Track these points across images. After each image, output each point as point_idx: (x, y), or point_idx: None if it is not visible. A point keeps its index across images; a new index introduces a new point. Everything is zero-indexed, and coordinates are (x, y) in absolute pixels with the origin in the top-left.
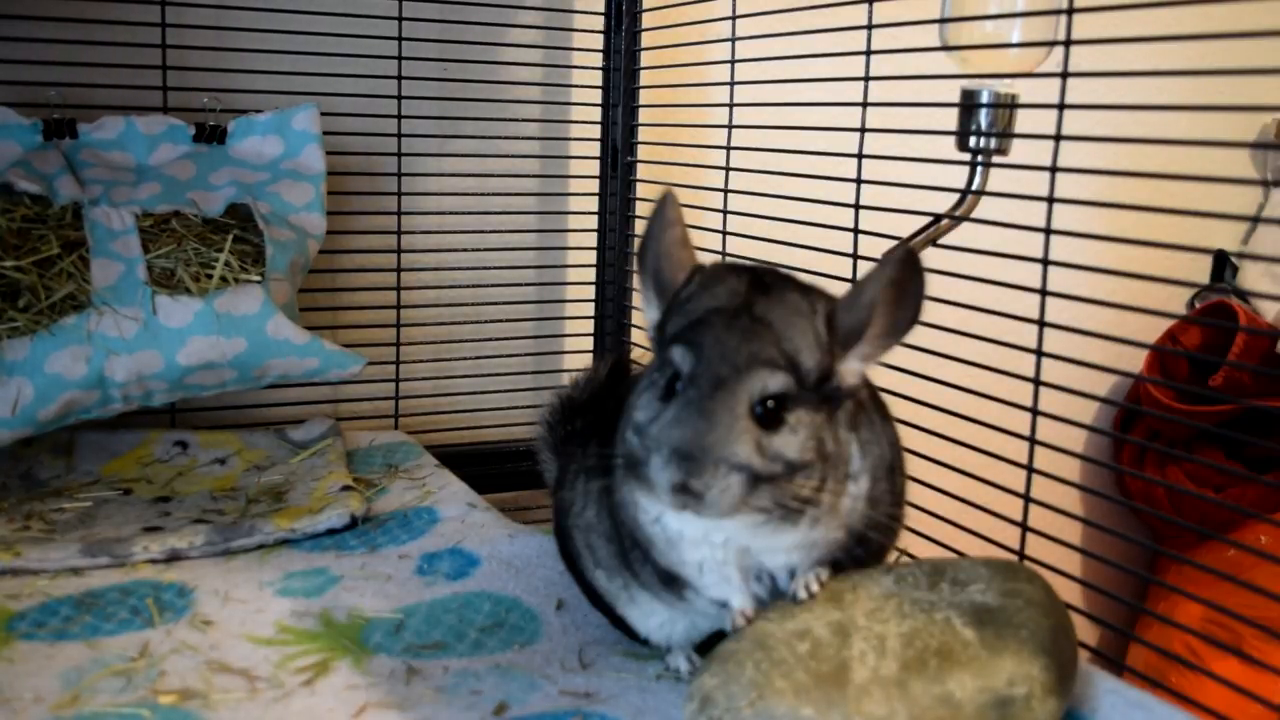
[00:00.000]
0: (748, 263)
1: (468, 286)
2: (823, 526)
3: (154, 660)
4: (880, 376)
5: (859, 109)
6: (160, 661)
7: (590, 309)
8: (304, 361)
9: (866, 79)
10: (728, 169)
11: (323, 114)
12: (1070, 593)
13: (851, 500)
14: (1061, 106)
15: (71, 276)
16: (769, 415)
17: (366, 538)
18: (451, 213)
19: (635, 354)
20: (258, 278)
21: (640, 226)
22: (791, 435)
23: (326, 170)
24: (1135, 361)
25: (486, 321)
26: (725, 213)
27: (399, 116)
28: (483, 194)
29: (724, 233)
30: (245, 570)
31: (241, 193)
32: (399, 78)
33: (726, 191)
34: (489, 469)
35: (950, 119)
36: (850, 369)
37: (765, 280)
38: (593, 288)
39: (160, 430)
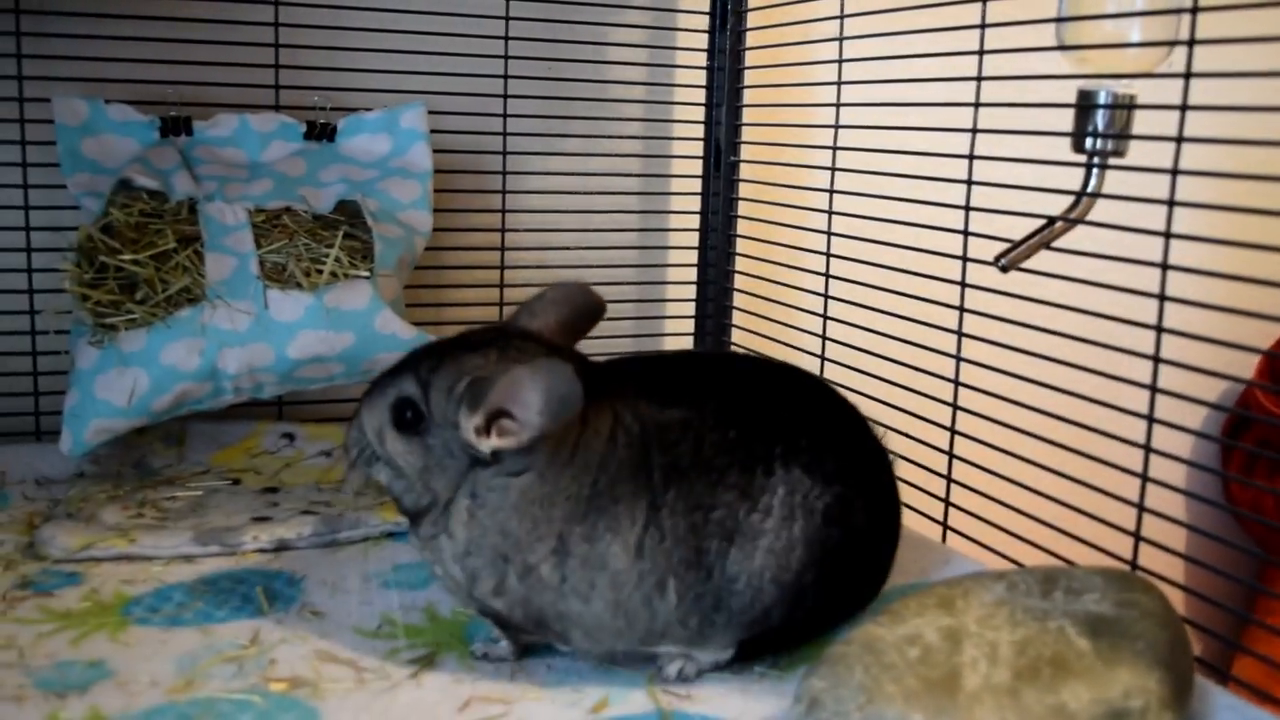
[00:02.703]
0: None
1: None
2: (447, 555)
3: (264, 648)
4: (993, 381)
5: (970, 109)
6: (270, 650)
7: (691, 309)
8: None
9: (979, 79)
10: (833, 169)
11: (430, 113)
12: (1174, 601)
13: (453, 546)
14: (1184, 108)
15: (187, 270)
16: (402, 421)
17: None
18: (555, 211)
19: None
20: (366, 273)
21: (743, 227)
22: (404, 444)
23: (433, 168)
24: (1246, 367)
25: None
26: (830, 213)
27: (504, 115)
28: (586, 193)
29: (829, 233)
30: (352, 562)
31: (350, 189)
32: (505, 77)
33: (832, 192)
34: None
35: (1065, 119)
36: (476, 433)
37: (509, 339)
38: (694, 288)
39: (268, 422)
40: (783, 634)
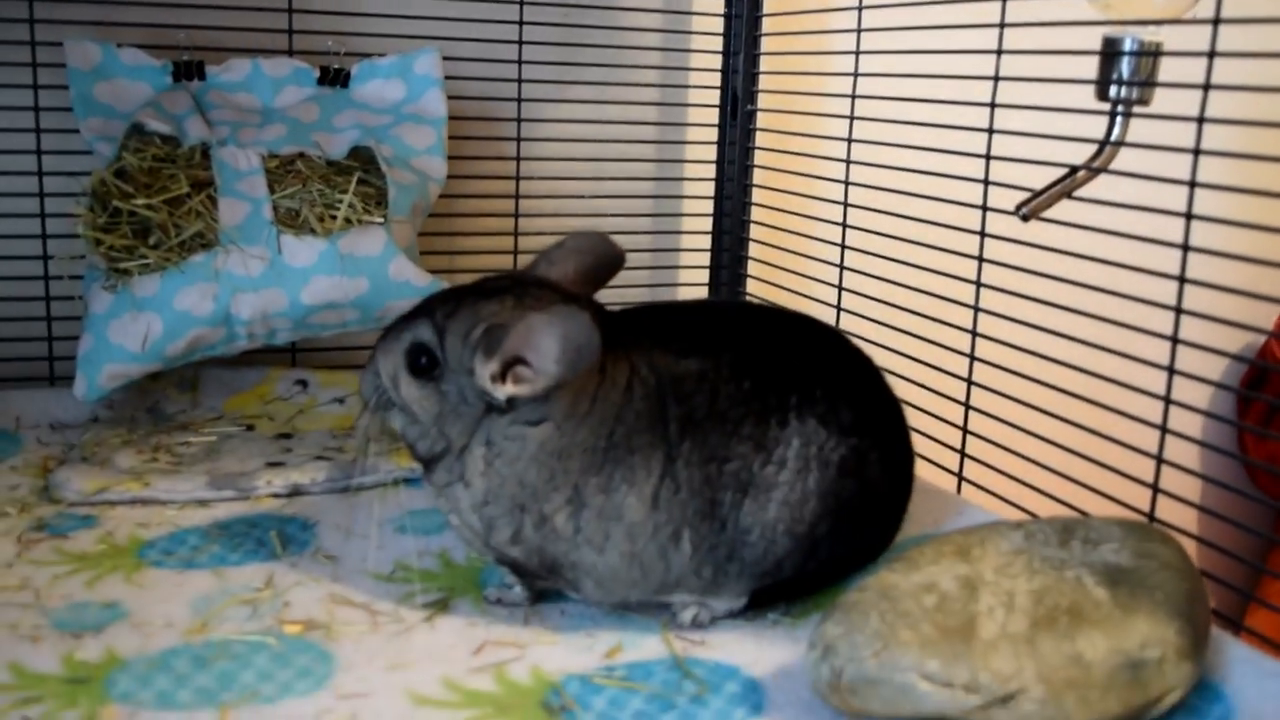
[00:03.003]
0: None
1: None
2: (463, 504)
3: (279, 591)
4: (1011, 332)
5: (993, 56)
6: (285, 593)
7: (706, 259)
8: None
9: (1002, 25)
10: (852, 118)
11: (444, 59)
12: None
13: (470, 496)
14: (1212, 55)
15: (200, 215)
16: (417, 366)
17: None
18: (569, 159)
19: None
20: (380, 220)
21: (760, 176)
22: (419, 389)
23: (448, 115)
24: (1268, 320)
25: None
26: (849, 163)
27: (519, 62)
28: (601, 140)
29: (846, 183)
30: (366, 507)
31: (364, 135)
32: (520, 23)
33: (850, 141)
34: None
35: (1089, 67)
36: (492, 380)
37: (526, 286)
38: (708, 237)
39: (281, 368)
40: (795, 584)
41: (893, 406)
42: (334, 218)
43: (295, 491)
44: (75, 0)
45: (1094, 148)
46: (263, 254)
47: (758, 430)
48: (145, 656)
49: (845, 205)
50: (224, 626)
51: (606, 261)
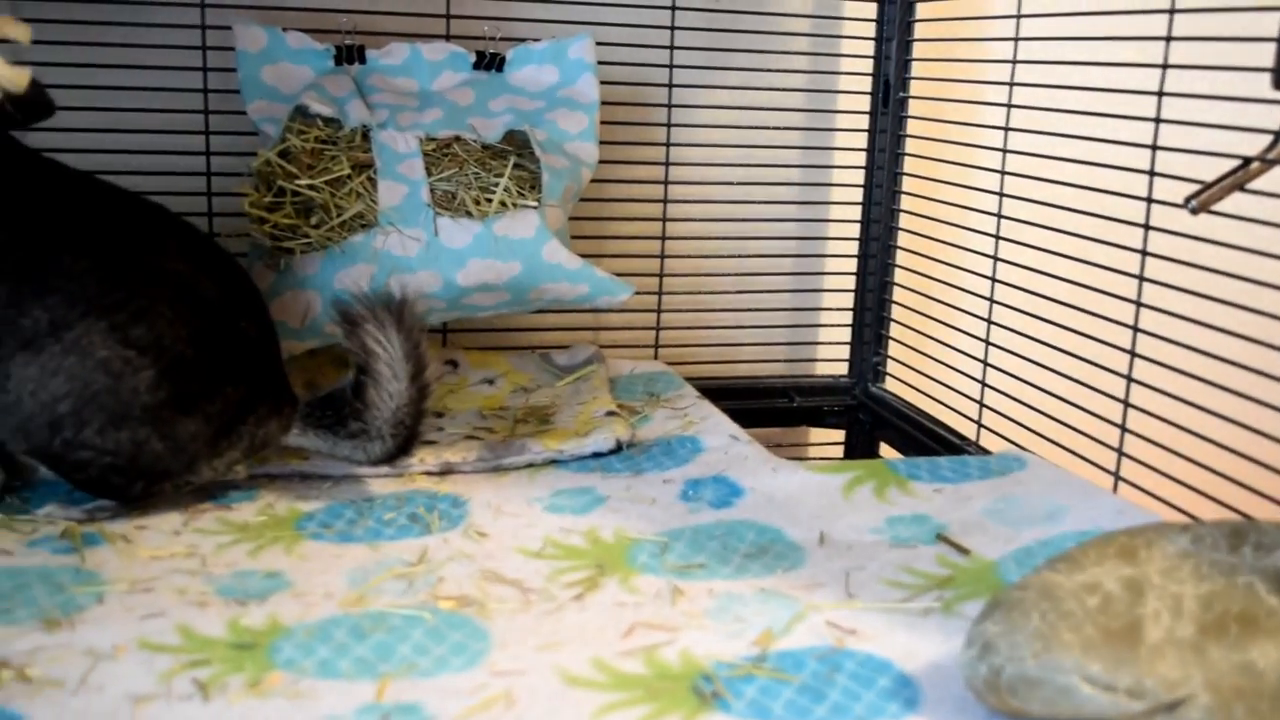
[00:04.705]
0: None
1: (731, 220)
2: None
3: (432, 566)
4: (1175, 328)
5: (1161, 43)
6: (438, 568)
7: (854, 248)
8: (575, 287)
9: (1172, 11)
10: (1009, 106)
11: (596, 44)
12: None
13: None
14: None
15: (360, 196)
16: None
17: (631, 462)
18: (718, 145)
19: (897, 295)
20: (534, 203)
21: (911, 165)
22: None
23: (600, 99)
24: None
25: (748, 256)
26: (1005, 152)
27: (671, 48)
28: (750, 127)
29: (1002, 173)
30: (515, 486)
31: (519, 120)
32: (672, 8)
33: (1008, 130)
34: (743, 404)
35: (1265, 54)
36: None
37: None
38: (857, 226)
39: (432, 349)
40: None
41: None
42: (489, 201)
43: (447, 469)
44: None
45: (1269, 138)
46: (420, 235)
47: None
48: (305, 625)
49: (1000, 195)
50: (380, 599)
51: None
